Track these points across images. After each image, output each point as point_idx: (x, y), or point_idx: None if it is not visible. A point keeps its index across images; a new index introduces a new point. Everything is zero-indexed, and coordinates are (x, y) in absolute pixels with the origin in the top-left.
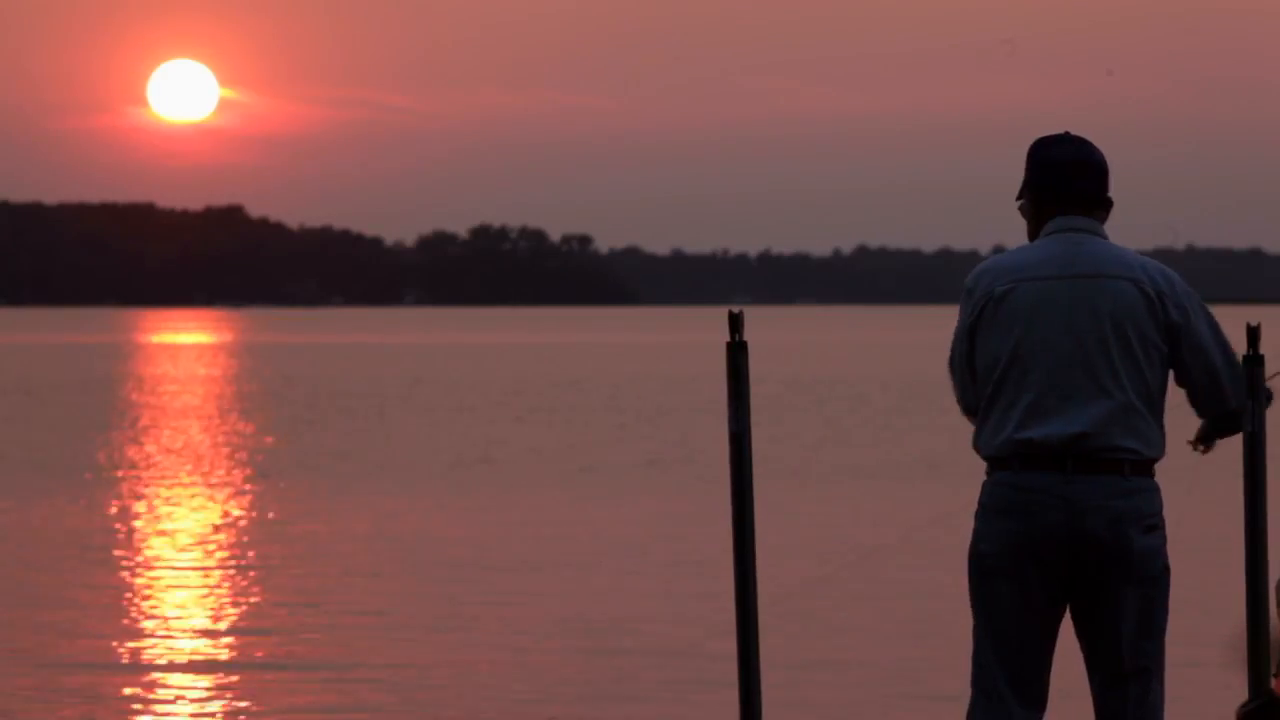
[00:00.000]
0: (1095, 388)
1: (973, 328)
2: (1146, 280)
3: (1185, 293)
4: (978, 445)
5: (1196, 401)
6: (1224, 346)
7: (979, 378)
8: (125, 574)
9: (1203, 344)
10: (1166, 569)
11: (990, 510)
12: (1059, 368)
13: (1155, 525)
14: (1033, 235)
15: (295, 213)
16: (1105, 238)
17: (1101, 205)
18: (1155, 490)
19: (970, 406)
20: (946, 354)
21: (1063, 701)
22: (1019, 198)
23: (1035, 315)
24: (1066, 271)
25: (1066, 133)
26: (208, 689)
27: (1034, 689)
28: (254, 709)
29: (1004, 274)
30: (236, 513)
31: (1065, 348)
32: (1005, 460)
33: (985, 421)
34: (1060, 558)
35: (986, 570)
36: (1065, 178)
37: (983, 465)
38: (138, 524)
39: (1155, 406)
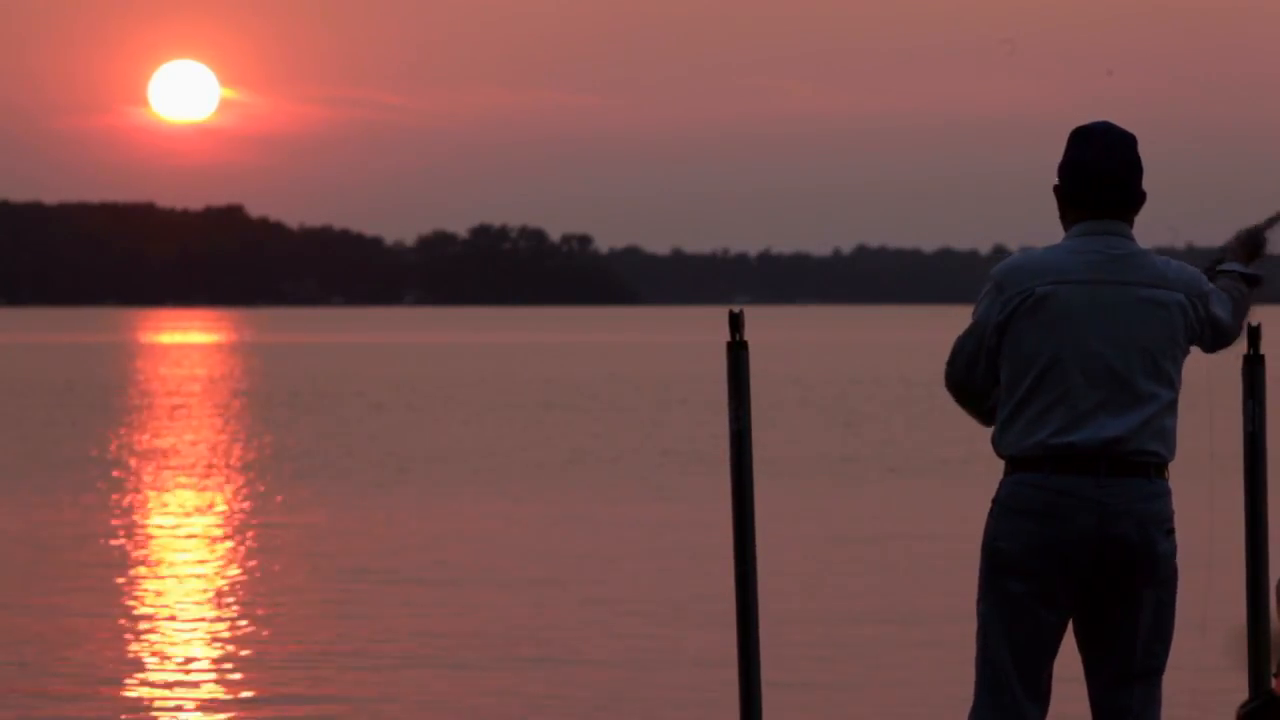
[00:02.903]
0: (1133, 394)
1: (1003, 325)
2: (1181, 286)
3: (1201, 280)
4: (1000, 444)
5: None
6: (1234, 311)
7: (1008, 377)
8: (121, 572)
9: (1221, 324)
10: (1176, 573)
11: (1013, 510)
12: (1101, 373)
13: (1172, 529)
14: (1064, 222)
15: (295, 213)
16: (1134, 239)
17: (1133, 207)
18: (1171, 494)
19: (967, 387)
20: (948, 351)
21: (1056, 702)
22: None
23: (1078, 319)
24: (1108, 276)
25: (1106, 126)
26: (191, 688)
27: (1041, 687)
28: (243, 707)
29: (1043, 274)
30: (227, 512)
31: (1107, 353)
32: (1036, 461)
33: (1013, 421)
34: (1087, 561)
35: (1006, 568)
36: (1097, 183)
37: (992, 463)
38: (136, 523)
39: (1176, 409)
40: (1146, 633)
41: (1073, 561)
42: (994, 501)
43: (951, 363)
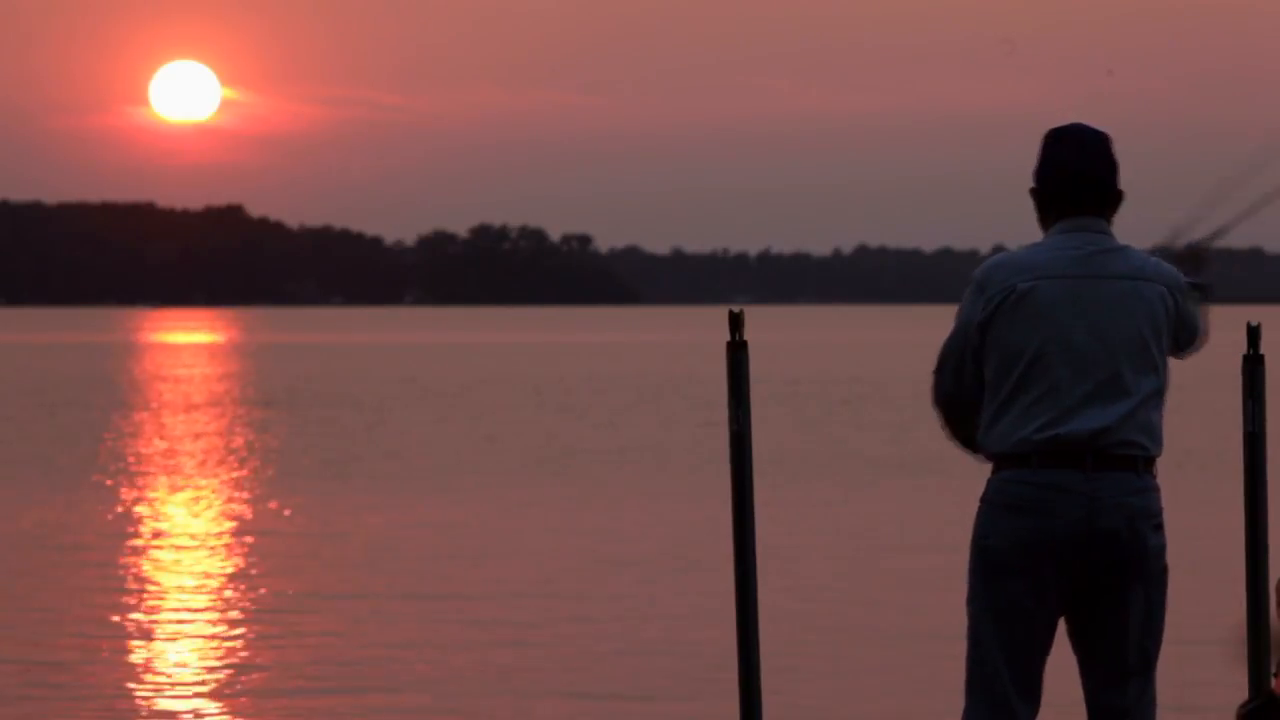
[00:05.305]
0: (1116, 387)
1: (985, 323)
2: (1160, 279)
3: (1179, 276)
4: (986, 442)
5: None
6: (1199, 313)
7: (993, 374)
8: (117, 571)
9: (1192, 322)
10: (1166, 569)
11: (1001, 507)
12: (1082, 367)
13: (1161, 524)
14: (1042, 224)
15: (295, 212)
16: (1113, 236)
17: (1111, 204)
18: (1159, 490)
19: (955, 400)
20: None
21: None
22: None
23: (1058, 314)
24: (1087, 271)
25: (1079, 127)
26: (189, 689)
27: (1034, 688)
28: (242, 705)
29: (1023, 271)
30: (219, 513)
31: (1088, 347)
32: (1023, 457)
33: (998, 419)
34: (1077, 555)
35: (997, 567)
36: (1073, 183)
37: (984, 464)
38: (134, 522)
39: (1162, 403)
40: (1138, 629)
41: (1063, 556)
42: (982, 500)
43: (939, 369)
